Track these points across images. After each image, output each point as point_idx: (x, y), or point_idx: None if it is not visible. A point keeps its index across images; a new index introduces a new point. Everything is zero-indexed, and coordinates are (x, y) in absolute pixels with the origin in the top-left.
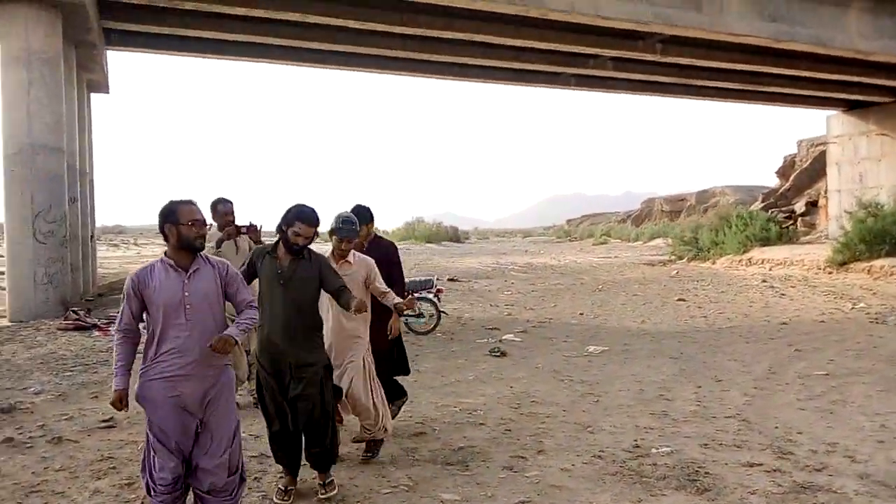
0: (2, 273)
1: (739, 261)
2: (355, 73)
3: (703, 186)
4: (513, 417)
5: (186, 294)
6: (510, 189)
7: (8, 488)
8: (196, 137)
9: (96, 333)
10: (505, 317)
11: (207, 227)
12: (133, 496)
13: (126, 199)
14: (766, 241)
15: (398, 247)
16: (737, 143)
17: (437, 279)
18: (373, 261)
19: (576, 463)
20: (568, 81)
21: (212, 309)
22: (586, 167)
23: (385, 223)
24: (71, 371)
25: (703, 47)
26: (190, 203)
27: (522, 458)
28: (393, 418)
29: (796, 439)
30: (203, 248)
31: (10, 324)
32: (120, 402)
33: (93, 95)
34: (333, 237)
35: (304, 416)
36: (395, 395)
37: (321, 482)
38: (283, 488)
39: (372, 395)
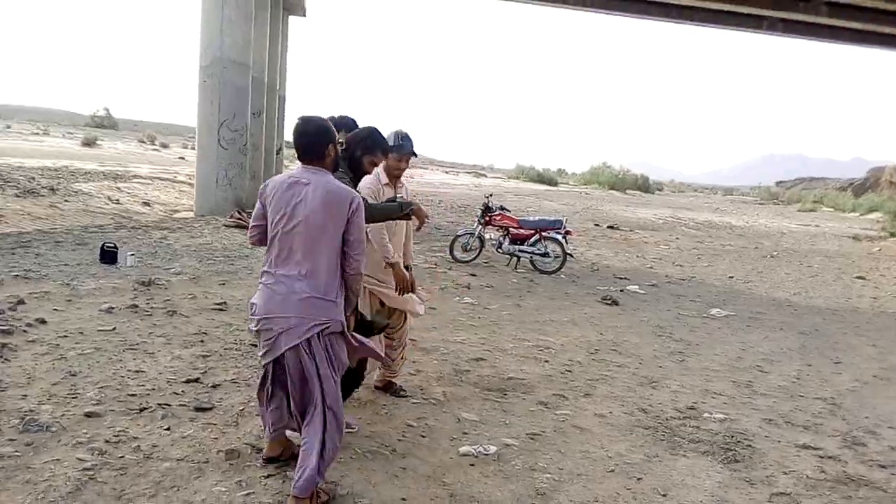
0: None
1: None
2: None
3: None
4: (581, 361)
5: None
6: (719, 143)
7: (114, 343)
8: (386, 66)
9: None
10: (644, 269)
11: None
12: (202, 366)
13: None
14: None
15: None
16: None
17: (567, 220)
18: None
19: (614, 411)
20: (774, 26)
21: None
22: (811, 126)
23: (573, 165)
24: (212, 260)
25: None
26: None
27: (563, 397)
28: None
29: (882, 434)
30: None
31: (192, 216)
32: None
33: (291, 19)
34: (389, 156)
35: None
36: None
37: None
38: None
39: None
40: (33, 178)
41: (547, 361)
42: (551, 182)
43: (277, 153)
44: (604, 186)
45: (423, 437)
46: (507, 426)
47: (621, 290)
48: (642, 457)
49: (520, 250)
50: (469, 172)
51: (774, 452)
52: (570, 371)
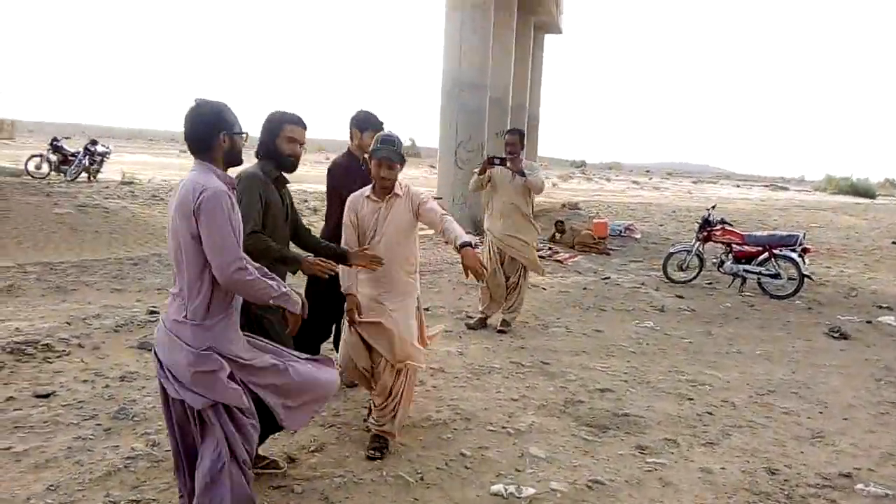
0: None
1: None
2: None
3: None
4: (736, 402)
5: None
6: None
7: None
8: (635, 79)
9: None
10: None
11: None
12: None
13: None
14: None
15: None
16: None
17: (804, 236)
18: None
19: (729, 467)
20: None
21: None
22: None
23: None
24: None
25: None
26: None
27: (674, 443)
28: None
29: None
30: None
31: (430, 232)
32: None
33: (546, 37)
34: (372, 162)
35: None
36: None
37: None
38: None
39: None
40: (306, 200)
41: (690, 400)
42: (868, 194)
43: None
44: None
45: (468, 468)
46: (574, 469)
47: (867, 322)
48: None
49: (744, 270)
50: (766, 185)
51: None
52: (710, 414)
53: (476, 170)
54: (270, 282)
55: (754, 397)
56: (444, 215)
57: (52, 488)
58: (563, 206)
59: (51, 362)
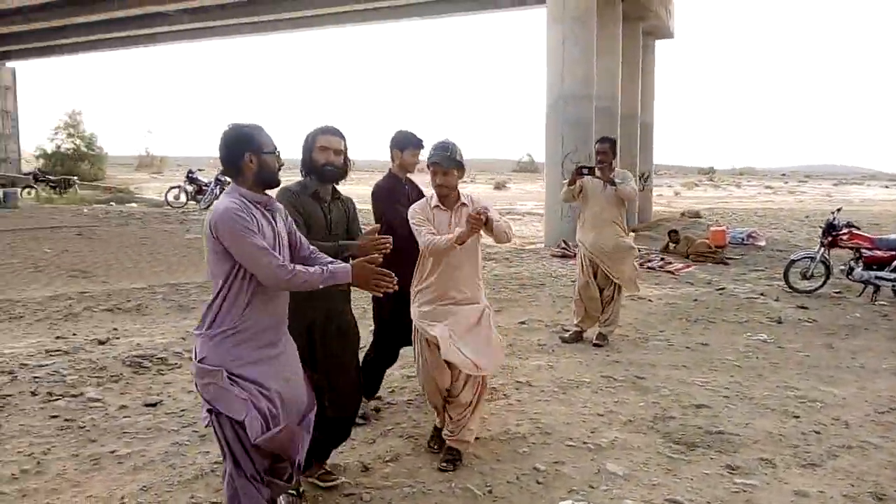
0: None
1: None
2: None
3: None
4: (850, 421)
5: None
6: None
7: None
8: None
9: (570, 262)
10: None
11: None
12: None
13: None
14: None
15: None
16: None
17: None
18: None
19: (829, 491)
20: None
21: None
22: None
23: None
24: (501, 287)
25: None
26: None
27: (770, 464)
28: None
29: None
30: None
31: (542, 247)
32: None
33: (658, 42)
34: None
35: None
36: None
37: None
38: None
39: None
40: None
41: (796, 417)
42: None
43: (645, 180)
44: None
45: (539, 483)
46: (652, 488)
47: None
48: None
49: (877, 277)
50: None
51: None
52: (817, 433)
53: (566, 181)
54: (312, 269)
55: (871, 416)
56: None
57: (145, 489)
58: (683, 214)
59: (163, 374)
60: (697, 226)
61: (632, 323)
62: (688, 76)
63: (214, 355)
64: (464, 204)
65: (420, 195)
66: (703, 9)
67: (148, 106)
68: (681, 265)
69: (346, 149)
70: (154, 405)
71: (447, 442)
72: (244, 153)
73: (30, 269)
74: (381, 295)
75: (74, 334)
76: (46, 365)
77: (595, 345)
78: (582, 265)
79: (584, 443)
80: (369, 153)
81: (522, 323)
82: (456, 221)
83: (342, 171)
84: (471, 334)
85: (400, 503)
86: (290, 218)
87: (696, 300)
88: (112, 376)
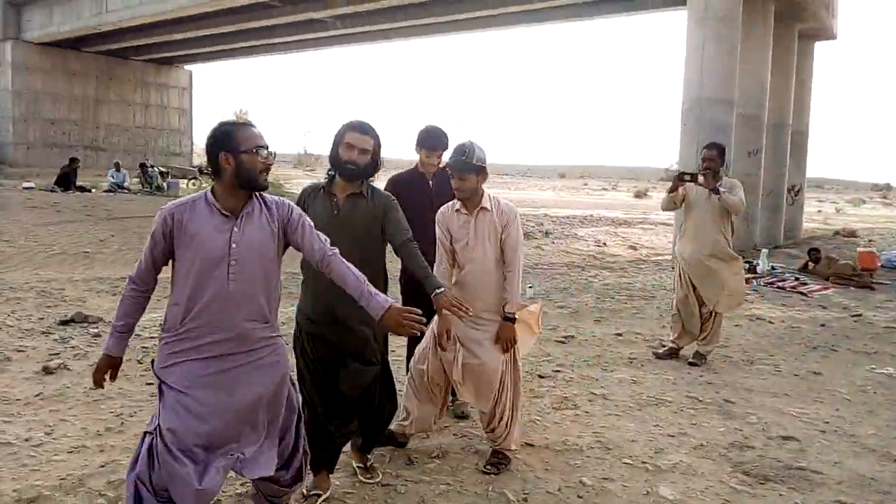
0: None
1: None
2: None
3: None
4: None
5: (233, 245)
6: None
7: None
8: None
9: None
10: None
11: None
12: None
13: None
14: None
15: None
16: None
17: None
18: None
19: None
20: None
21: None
22: None
23: None
24: (613, 298)
25: None
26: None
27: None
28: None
29: None
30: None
31: (667, 258)
32: (104, 370)
33: (817, 44)
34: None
35: None
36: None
37: (362, 464)
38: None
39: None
40: (542, 223)
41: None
42: None
43: (796, 193)
44: None
45: (580, 497)
46: None
47: None
48: None
49: None
50: None
51: None
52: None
53: (667, 188)
54: None
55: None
56: (513, 263)
57: None
58: (837, 232)
59: None
60: (849, 246)
61: (741, 344)
62: (861, 81)
63: (159, 358)
64: (484, 208)
65: (452, 195)
66: (876, 6)
67: (307, 107)
68: (817, 286)
69: (375, 148)
70: None
71: (492, 446)
72: (219, 152)
73: None
74: (412, 335)
75: None
76: (156, 337)
77: (690, 363)
78: (681, 278)
79: (644, 462)
80: (516, 156)
81: (619, 334)
82: (474, 226)
83: (361, 171)
84: (473, 374)
85: (433, 499)
86: (293, 217)
87: (822, 325)
88: None
